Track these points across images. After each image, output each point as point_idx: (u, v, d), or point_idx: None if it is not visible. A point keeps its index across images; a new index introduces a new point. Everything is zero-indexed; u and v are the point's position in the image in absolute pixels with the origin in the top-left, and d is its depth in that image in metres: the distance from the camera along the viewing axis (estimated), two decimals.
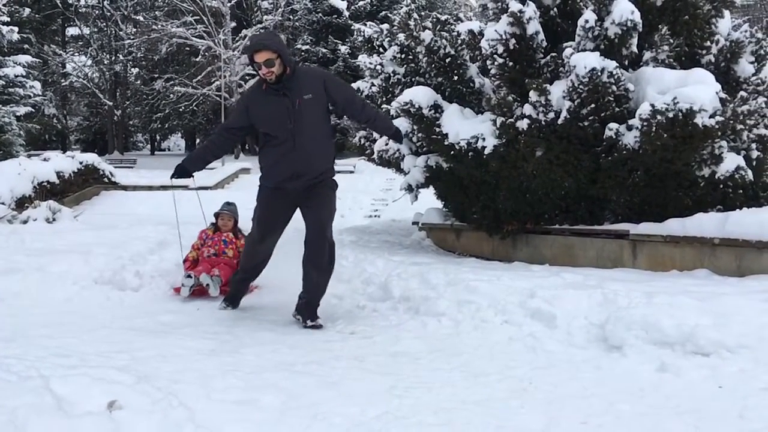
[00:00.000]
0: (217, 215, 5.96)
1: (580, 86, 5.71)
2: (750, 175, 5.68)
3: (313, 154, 4.39)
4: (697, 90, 5.37)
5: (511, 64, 6.23)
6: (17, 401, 2.40)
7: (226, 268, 5.53)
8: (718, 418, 2.57)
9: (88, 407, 2.46)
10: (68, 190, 16.05)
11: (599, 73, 5.63)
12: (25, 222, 10.34)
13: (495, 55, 6.25)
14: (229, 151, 5.68)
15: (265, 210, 4.56)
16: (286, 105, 4.25)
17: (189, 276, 5.24)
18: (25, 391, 2.52)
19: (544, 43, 6.27)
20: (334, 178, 4.70)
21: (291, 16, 34.76)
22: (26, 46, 30.13)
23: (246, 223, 5.46)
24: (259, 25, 33.53)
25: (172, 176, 4.64)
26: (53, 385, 2.63)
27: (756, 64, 6.62)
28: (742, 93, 5.81)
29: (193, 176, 4.81)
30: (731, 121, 5.41)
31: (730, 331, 3.26)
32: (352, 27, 28.52)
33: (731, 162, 5.66)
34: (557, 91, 5.92)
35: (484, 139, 6.19)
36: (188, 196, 19.79)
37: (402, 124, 7.35)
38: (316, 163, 4.44)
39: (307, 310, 4.38)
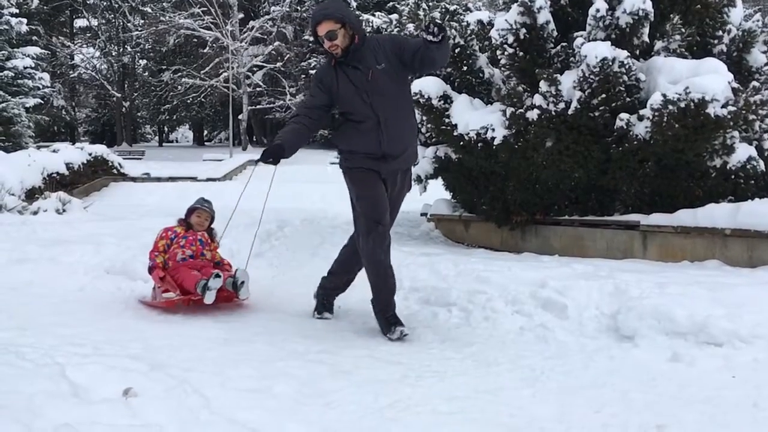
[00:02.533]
0: (191, 210, 4.95)
1: (591, 76, 5.68)
2: (762, 165, 5.65)
3: (399, 129, 3.89)
4: (709, 80, 5.34)
5: (521, 53, 6.20)
6: (34, 388, 2.43)
7: (194, 276, 4.46)
8: (731, 407, 2.57)
9: (103, 394, 2.49)
10: (77, 182, 16.10)
11: (610, 63, 5.60)
12: (35, 213, 10.41)
13: (505, 45, 6.23)
14: (317, 132, 4.89)
15: (370, 188, 3.92)
16: (359, 78, 3.79)
17: (218, 276, 4.26)
18: (42, 378, 2.55)
19: (555, 33, 6.24)
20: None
21: (299, 7, 34.66)
22: (35, 37, 30.19)
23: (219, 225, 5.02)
24: (267, 17, 33.50)
25: (264, 160, 3.80)
26: (69, 373, 2.66)
27: None
28: (755, 83, 5.77)
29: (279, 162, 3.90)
30: (743, 111, 5.38)
31: (743, 322, 3.25)
32: (361, 18, 28.44)
33: (743, 152, 5.63)
34: (568, 81, 5.89)
35: (493, 130, 6.17)
36: (196, 187, 19.67)
37: None
38: (405, 138, 3.94)
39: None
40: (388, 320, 3.82)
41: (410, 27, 7.60)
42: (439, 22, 3.65)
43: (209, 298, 4.19)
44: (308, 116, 3.93)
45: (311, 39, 30.95)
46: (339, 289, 4.37)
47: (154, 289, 4.68)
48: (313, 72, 32.46)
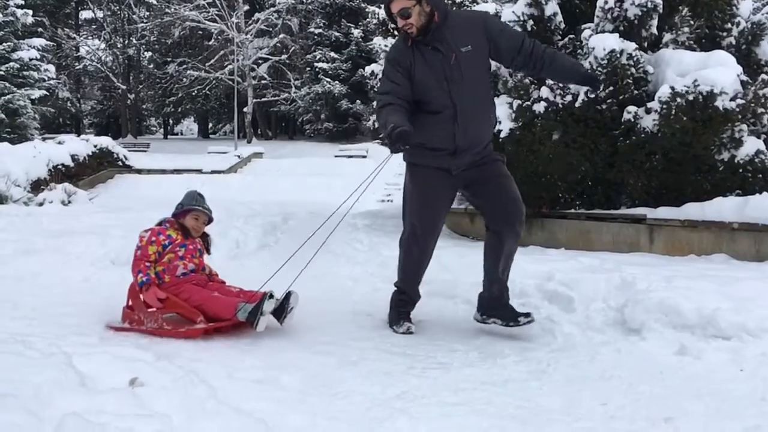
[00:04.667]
0: (187, 211, 3.86)
1: (599, 68, 5.66)
2: None
3: (477, 122, 3.47)
4: (718, 72, 5.32)
5: None
6: (41, 377, 2.43)
7: (219, 298, 3.60)
8: (739, 401, 2.56)
9: (110, 384, 2.49)
10: (83, 174, 16.15)
11: (618, 55, 5.58)
12: (41, 204, 10.45)
13: None
14: None
15: (425, 195, 3.57)
16: (440, 61, 3.35)
17: (271, 297, 3.46)
18: (49, 368, 2.55)
19: (562, 25, 6.22)
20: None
21: (304, 0, 34.60)
22: (40, 29, 30.18)
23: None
24: (272, 9, 33.44)
25: (396, 150, 3.23)
26: (76, 362, 2.66)
27: None
28: (764, 76, 5.74)
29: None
30: (752, 105, 5.36)
31: (751, 315, 3.24)
32: (366, 10, 28.37)
33: (751, 146, 5.62)
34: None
35: (500, 123, 6.15)
36: (201, 179, 19.72)
37: None
38: (482, 132, 3.53)
39: (510, 310, 3.59)
40: (399, 314, 3.73)
41: None
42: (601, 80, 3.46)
43: (262, 325, 3.37)
44: (403, 106, 3.39)
45: (315, 32, 30.52)
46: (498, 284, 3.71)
47: (130, 308, 3.69)
48: (318, 64, 32.48)
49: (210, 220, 3.96)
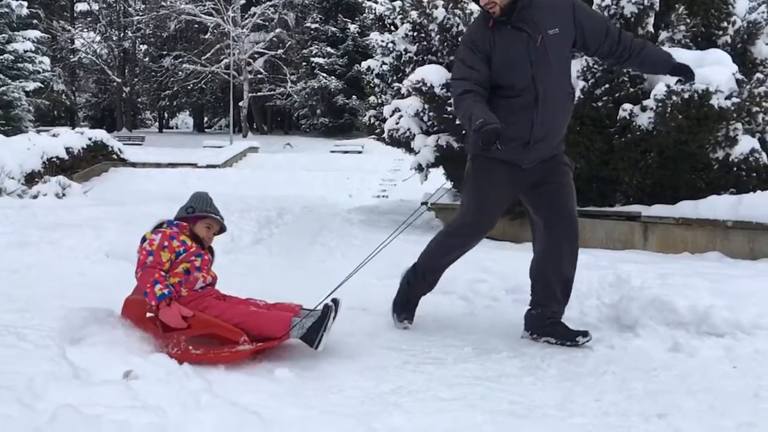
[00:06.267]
0: (200, 217, 3.29)
1: (595, 66, 5.66)
2: (765, 158, 5.66)
3: (557, 111, 3.24)
4: (714, 71, 5.33)
5: None
6: (35, 369, 2.43)
7: (263, 313, 3.08)
8: (732, 397, 2.57)
9: (104, 376, 2.49)
10: (77, 166, 16.09)
11: None
12: (35, 197, 10.41)
13: None
14: None
15: (485, 190, 3.33)
16: (524, 42, 3.14)
17: (336, 308, 2.95)
18: (43, 360, 2.54)
19: None
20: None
21: None
22: (35, 21, 30.02)
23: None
24: (268, 3, 33.32)
25: (488, 146, 3.01)
26: (69, 355, 2.66)
27: None
28: (759, 75, 5.77)
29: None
30: (747, 103, 5.37)
31: (744, 313, 3.26)
32: (363, 5, 28.30)
33: (746, 144, 5.64)
34: (572, 70, 5.87)
35: None
36: (197, 173, 19.69)
37: (413, 103, 7.33)
38: (559, 124, 3.31)
39: (563, 327, 3.36)
40: (404, 307, 3.60)
41: (413, 14, 7.55)
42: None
43: (323, 343, 2.90)
44: (481, 94, 3.17)
45: (312, 26, 30.30)
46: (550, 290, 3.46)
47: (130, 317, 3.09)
48: (314, 59, 32.39)
49: (222, 230, 3.41)
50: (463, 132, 3.19)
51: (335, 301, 2.99)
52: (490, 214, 3.39)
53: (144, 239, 3.14)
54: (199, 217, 3.29)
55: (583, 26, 3.22)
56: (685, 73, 3.31)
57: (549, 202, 3.33)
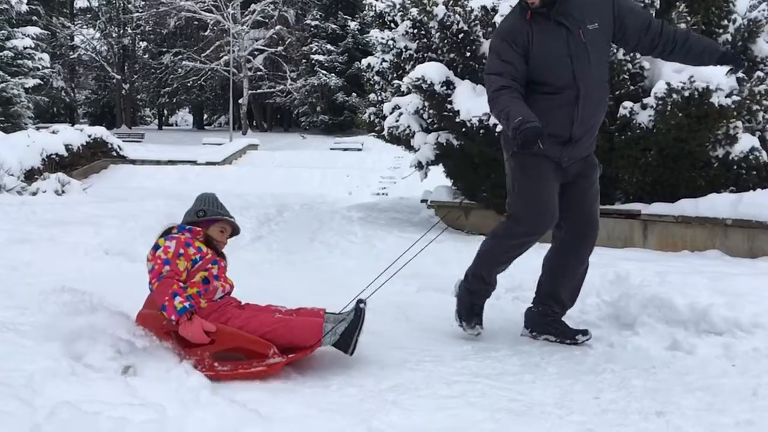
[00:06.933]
0: (212, 221, 3.05)
1: None
2: (765, 156, 5.66)
3: (596, 109, 3.16)
4: (714, 69, 5.30)
5: None
6: (34, 366, 2.43)
7: (292, 320, 2.88)
8: (731, 395, 2.57)
9: (103, 373, 2.48)
10: (76, 163, 16.07)
11: (615, 51, 5.56)
12: (34, 194, 10.40)
13: None
14: None
15: (536, 185, 3.16)
16: (564, 37, 3.03)
17: (363, 308, 2.85)
18: (41, 356, 2.54)
19: None
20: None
21: None
22: (35, 17, 30.00)
23: None
24: (268, 0, 33.29)
25: (529, 148, 2.90)
26: (68, 351, 2.65)
27: None
28: (759, 73, 5.76)
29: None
30: (747, 101, 5.37)
31: (743, 311, 3.25)
32: (363, 1, 28.26)
33: (746, 143, 5.63)
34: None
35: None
36: (196, 171, 19.64)
37: (413, 100, 7.32)
38: (597, 122, 3.24)
39: (563, 325, 3.36)
40: (470, 313, 3.36)
41: (413, 11, 7.53)
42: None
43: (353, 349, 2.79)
44: (518, 91, 3.05)
45: (312, 23, 30.26)
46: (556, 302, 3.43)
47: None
48: (314, 56, 32.33)
49: (235, 232, 3.17)
50: (498, 131, 2.90)
51: (362, 302, 2.85)
52: (549, 208, 3.18)
53: (157, 247, 2.86)
54: (211, 221, 3.05)
55: (624, 21, 3.10)
56: (734, 60, 3.15)
57: (575, 204, 3.26)
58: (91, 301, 2.93)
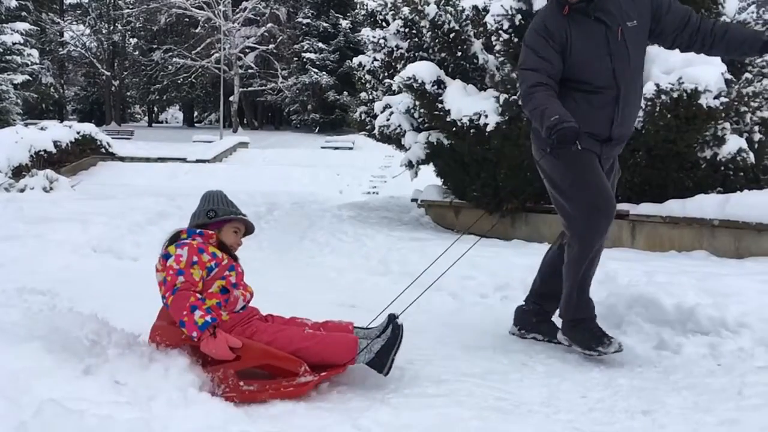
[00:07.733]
0: (223, 222, 2.77)
1: None
2: (752, 157, 5.69)
3: (633, 108, 3.09)
4: (703, 70, 5.35)
5: (516, 40, 6.18)
6: (18, 364, 2.40)
7: (326, 336, 2.67)
8: (716, 394, 2.59)
9: (89, 371, 2.46)
10: (65, 160, 16.00)
11: None
12: (22, 190, 10.34)
13: (500, 31, 6.21)
14: None
15: (592, 172, 3.02)
16: (603, 34, 2.93)
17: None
18: (27, 354, 2.52)
19: None
20: None
21: None
22: (24, 13, 29.74)
23: None
24: None
25: (564, 147, 2.83)
26: (54, 348, 2.63)
27: None
28: (747, 74, 5.80)
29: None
30: (735, 103, 5.41)
31: (729, 311, 3.27)
32: (355, 0, 28.22)
33: (733, 144, 5.67)
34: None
35: (486, 116, 6.17)
36: (186, 168, 19.58)
37: (404, 99, 7.33)
38: (633, 122, 3.18)
39: (551, 325, 3.34)
40: (593, 332, 3.05)
41: (405, 10, 7.54)
42: None
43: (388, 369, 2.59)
44: (553, 87, 2.94)
45: (303, 22, 30.19)
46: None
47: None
48: (306, 55, 32.26)
49: (248, 231, 2.90)
50: (531, 127, 2.79)
51: (395, 317, 2.69)
52: (606, 193, 3.04)
53: (167, 256, 2.58)
54: (223, 221, 2.76)
55: (662, 20, 3.01)
56: None
57: None
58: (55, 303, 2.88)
